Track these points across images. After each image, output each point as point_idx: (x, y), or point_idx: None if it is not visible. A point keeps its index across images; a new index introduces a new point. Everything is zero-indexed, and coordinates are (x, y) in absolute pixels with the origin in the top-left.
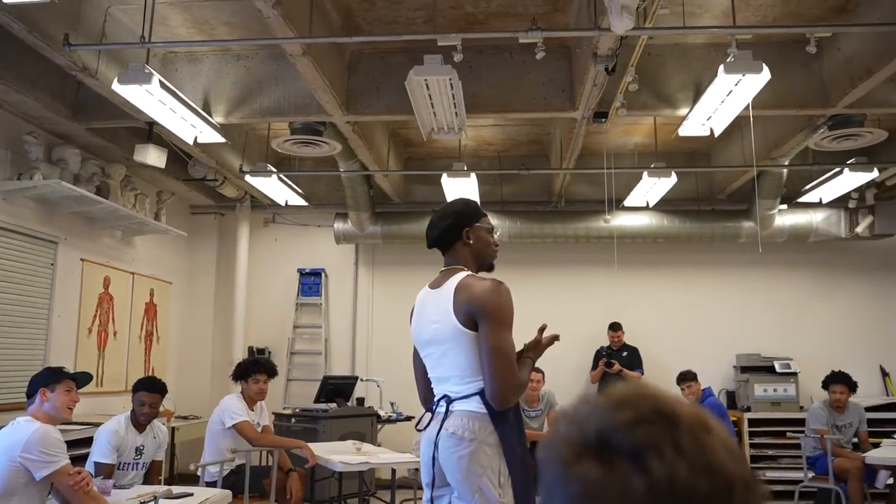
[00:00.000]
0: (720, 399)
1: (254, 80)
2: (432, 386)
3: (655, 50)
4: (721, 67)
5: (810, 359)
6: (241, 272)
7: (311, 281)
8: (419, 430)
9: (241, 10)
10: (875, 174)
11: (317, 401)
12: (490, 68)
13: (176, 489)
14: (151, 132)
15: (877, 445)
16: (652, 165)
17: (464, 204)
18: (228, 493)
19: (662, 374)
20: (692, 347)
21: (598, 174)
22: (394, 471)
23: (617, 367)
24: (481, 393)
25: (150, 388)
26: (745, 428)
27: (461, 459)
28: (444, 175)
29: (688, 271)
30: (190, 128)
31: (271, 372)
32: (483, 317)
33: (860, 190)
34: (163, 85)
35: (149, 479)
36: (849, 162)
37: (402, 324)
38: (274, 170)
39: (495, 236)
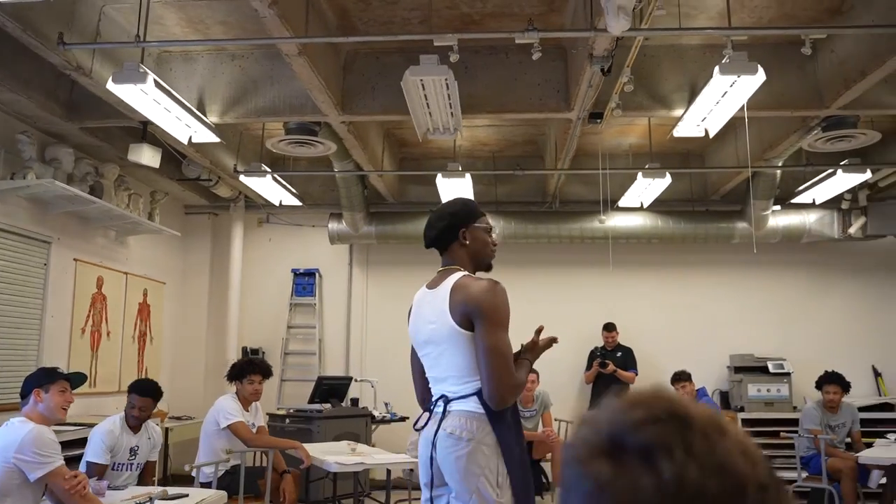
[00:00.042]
0: (714, 399)
1: (249, 79)
2: (430, 386)
3: (650, 51)
4: (716, 68)
5: (803, 359)
6: (234, 272)
7: (305, 281)
8: (417, 430)
9: (236, 10)
10: (868, 175)
11: (311, 401)
12: (485, 69)
13: (171, 490)
14: (146, 132)
15: (869, 445)
16: (646, 166)
17: (461, 204)
18: (224, 493)
19: (657, 374)
20: (686, 348)
21: (593, 175)
22: (389, 471)
23: (611, 367)
24: (479, 393)
25: (142, 392)
26: (739, 428)
27: (459, 459)
28: (439, 175)
29: (682, 272)
30: (184, 127)
31: (266, 372)
32: (479, 317)
33: (853, 191)
34: (157, 84)
35: (143, 479)
36: (842, 163)
37: (396, 324)
38: (268, 170)
39: (493, 236)
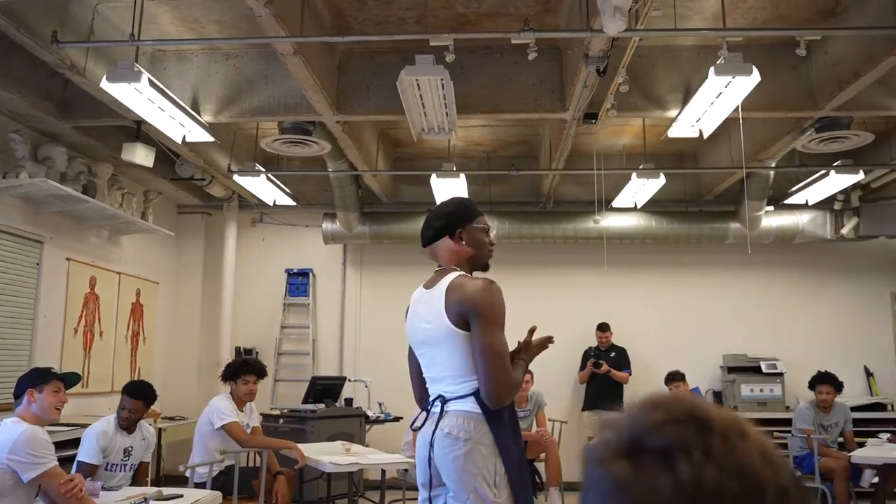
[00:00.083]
0: (707, 399)
1: (243, 79)
2: (427, 386)
3: (645, 52)
4: (711, 69)
5: (796, 359)
6: (228, 272)
7: (298, 281)
8: (414, 430)
9: (230, 9)
10: (861, 176)
11: (305, 401)
12: (480, 69)
13: (166, 490)
14: (139, 131)
15: (862, 445)
16: (640, 167)
17: (458, 204)
18: (218, 494)
19: (650, 374)
20: (680, 348)
21: (587, 175)
22: (383, 471)
23: (605, 367)
24: (476, 393)
25: (133, 394)
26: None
27: (456, 459)
28: (434, 175)
29: (675, 272)
30: (178, 127)
31: (261, 373)
32: (475, 316)
33: (846, 192)
34: (152, 83)
35: (136, 480)
36: (835, 164)
37: (390, 324)
38: (262, 169)
39: (491, 236)
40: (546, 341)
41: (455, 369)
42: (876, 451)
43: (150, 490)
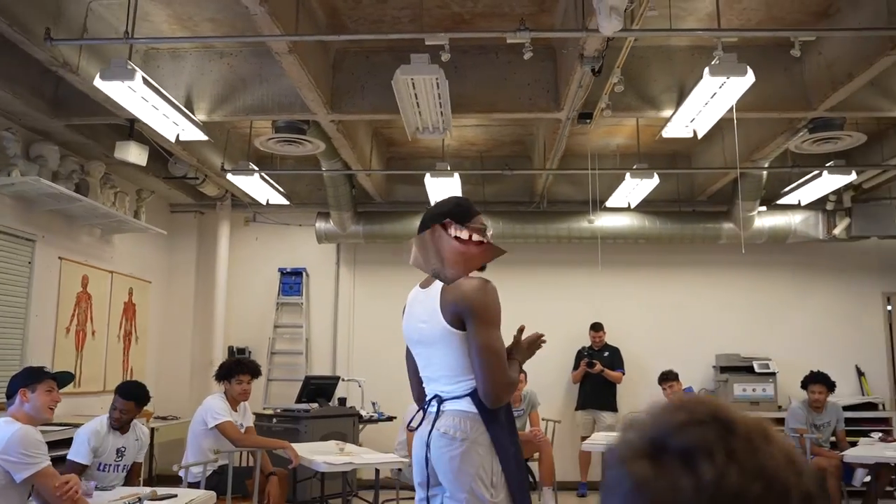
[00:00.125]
0: None
1: (237, 77)
2: (423, 385)
3: (640, 52)
4: (706, 69)
5: (788, 359)
6: (221, 271)
7: (291, 280)
8: (411, 430)
9: (224, 7)
10: (853, 177)
11: (298, 401)
12: (475, 68)
13: (160, 490)
14: (133, 129)
15: (854, 444)
16: (634, 167)
17: (455, 203)
18: (212, 494)
19: (643, 374)
20: (673, 348)
21: (580, 175)
22: (377, 471)
23: (598, 367)
24: (472, 393)
25: (125, 395)
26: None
27: (453, 459)
28: (428, 175)
29: (669, 272)
30: (172, 125)
31: (255, 372)
32: (470, 316)
33: (838, 192)
34: (146, 81)
35: (129, 480)
36: (827, 165)
37: (383, 324)
38: (256, 168)
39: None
40: (537, 340)
41: (451, 369)
42: (867, 450)
43: (145, 490)
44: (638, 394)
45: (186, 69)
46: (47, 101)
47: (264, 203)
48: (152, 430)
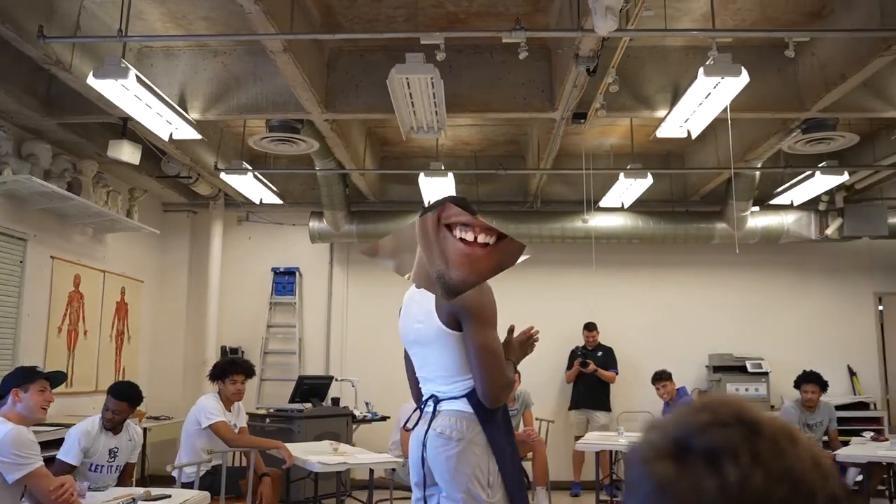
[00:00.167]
0: (694, 398)
1: (231, 76)
2: (420, 385)
3: (634, 52)
4: (701, 70)
5: (780, 358)
6: (214, 271)
7: (285, 280)
8: (407, 430)
9: (218, 6)
10: (845, 177)
11: (292, 401)
12: (470, 68)
13: (154, 491)
14: (126, 128)
15: (846, 443)
16: (628, 167)
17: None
18: (206, 494)
19: (637, 373)
20: (666, 347)
21: (573, 175)
22: (371, 471)
23: (592, 367)
24: (468, 394)
25: (118, 395)
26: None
27: (449, 459)
28: (422, 174)
29: (662, 272)
30: (166, 124)
31: (249, 372)
32: (466, 316)
33: (830, 193)
34: (139, 80)
35: (122, 481)
36: (820, 165)
37: (376, 323)
38: (249, 167)
39: None
40: (529, 338)
41: (447, 369)
42: (860, 449)
43: (139, 490)
44: (631, 394)
45: (180, 68)
46: (39, 99)
47: (258, 202)
48: (144, 431)
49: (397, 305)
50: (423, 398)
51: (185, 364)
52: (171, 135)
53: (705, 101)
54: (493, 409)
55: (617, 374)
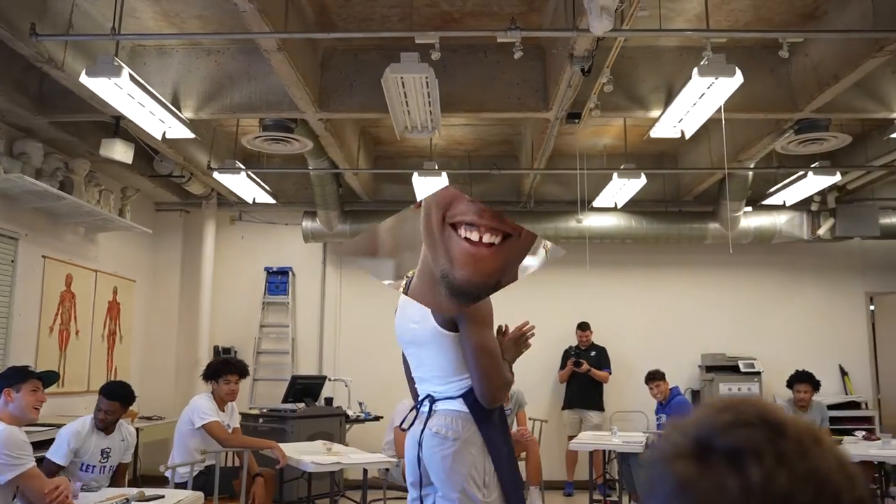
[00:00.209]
0: (686, 398)
1: (224, 75)
2: (416, 385)
3: (628, 52)
4: (695, 70)
5: (772, 358)
6: (206, 270)
7: (278, 279)
8: (403, 430)
9: (212, 4)
10: (837, 178)
11: (285, 401)
12: (464, 67)
13: (148, 491)
14: (118, 126)
15: (837, 443)
16: (621, 167)
17: None
18: (200, 494)
19: (630, 373)
20: (659, 347)
21: (567, 175)
22: (365, 471)
23: (585, 366)
24: (464, 394)
25: (109, 395)
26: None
27: (445, 459)
28: (415, 174)
29: (655, 272)
30: (158, 123)
31: (242, 372)
32: (463, 317)
33: (822, 193)
34: (132, 78)
35: (115, 481)
36: (812, 165)
37: (369, 323)
38: (242, 167)
39: None
40: (522, 336)
41: (443, 370)
42: (851, 448)
43: (132, 491)
44: (624, 393)
45: (173, 66)
46: (31, 97)
47: (250, 202)
48: (137, 431)
49: (390, 305)
50: (420, 398)
51: (178, 364)
52: (164, 134)
53: (699, 101)
54: (490, 409)
55: (610, 373)
